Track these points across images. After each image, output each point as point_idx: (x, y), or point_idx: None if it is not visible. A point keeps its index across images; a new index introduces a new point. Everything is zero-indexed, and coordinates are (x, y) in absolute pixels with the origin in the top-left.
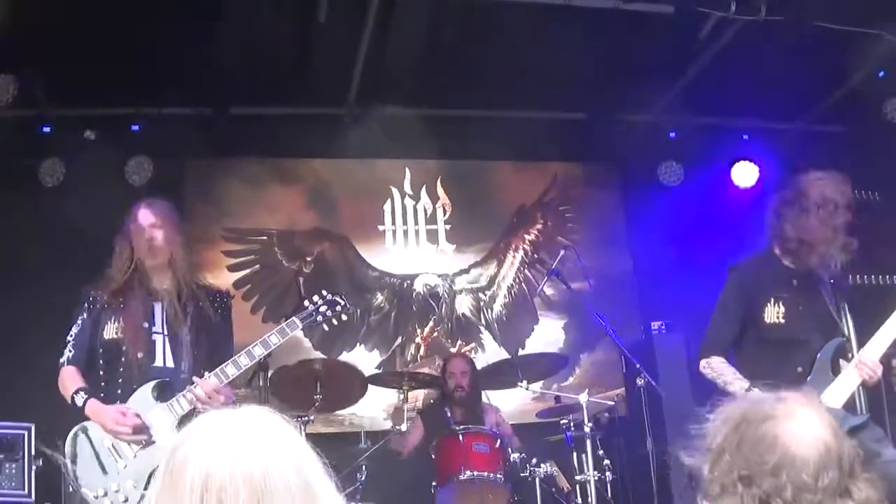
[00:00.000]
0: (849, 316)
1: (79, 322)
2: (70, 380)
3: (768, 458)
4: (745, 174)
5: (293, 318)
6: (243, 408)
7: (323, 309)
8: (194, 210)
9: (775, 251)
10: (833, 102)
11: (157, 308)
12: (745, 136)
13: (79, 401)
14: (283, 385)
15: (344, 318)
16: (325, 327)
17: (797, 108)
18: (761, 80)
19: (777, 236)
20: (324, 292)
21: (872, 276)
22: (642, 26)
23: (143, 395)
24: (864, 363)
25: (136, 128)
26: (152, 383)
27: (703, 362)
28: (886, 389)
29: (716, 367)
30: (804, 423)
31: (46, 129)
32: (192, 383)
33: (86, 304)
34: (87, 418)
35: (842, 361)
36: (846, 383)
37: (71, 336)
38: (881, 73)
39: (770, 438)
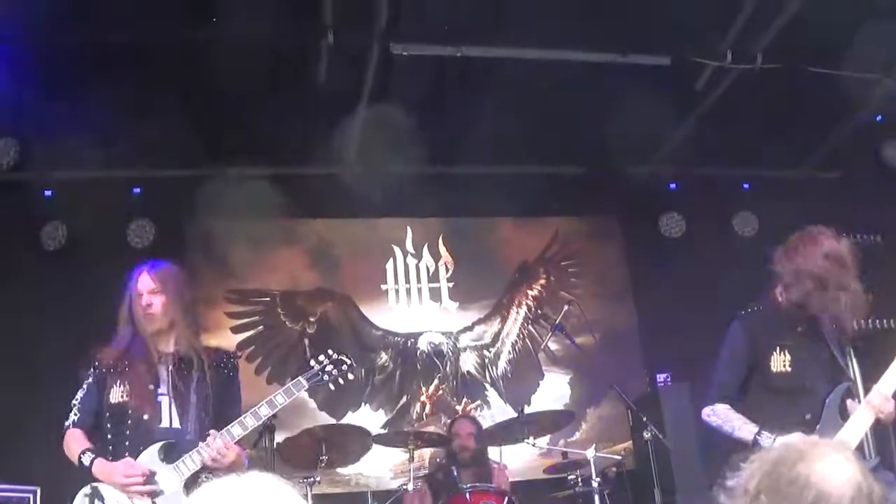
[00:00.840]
0: (854, 360)
1: (84, 386)
2: (76, 442)
3: (805, 497)
4: (746, 224)
5: (299, 377)
6: (248, 475)
7: (329, 368)
8: (197, 272)
9: (779, 300)
10: (832, 148)
11: (163, 370)
12: (746, 185)
13: (86, 461)
14: (288, 447)
15: (350, 377)
16: (332, 387)
17: (796, 154)
18: (760, 127)
19: (781, 287)
20: (330, 352)
21: (876, 321)
22: (640, 78)
23: (150, 456)
24: (873, 403)
25: (137, 190)
26: (158, 444)
27: (706, 410)
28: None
29: (721, 415)
30: (837, 463)
31: (48, 193)
32: (198, 444)
33: (91, 369)
34: (95, 479)
35: (849, 404)
36: (856, 427)
37: (77, 400)
38: (879, 118)
39: (804, 478)
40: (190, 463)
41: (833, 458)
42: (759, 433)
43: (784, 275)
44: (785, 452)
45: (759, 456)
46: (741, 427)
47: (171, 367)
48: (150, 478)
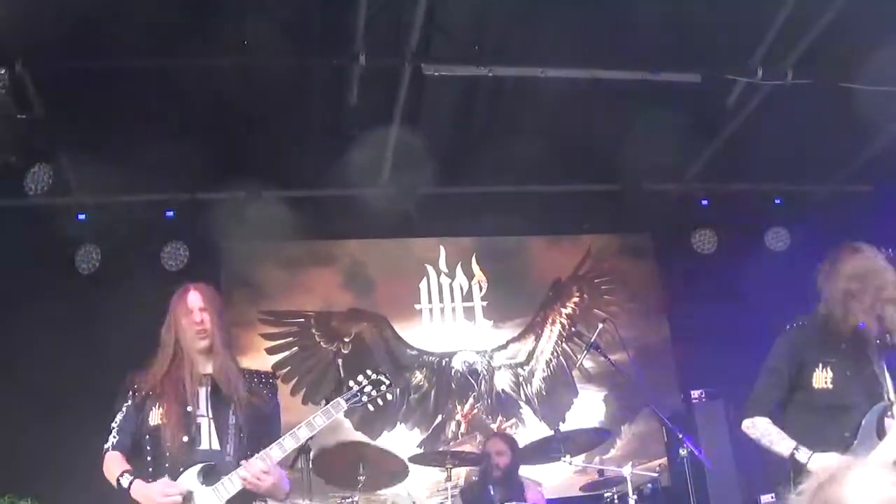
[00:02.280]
0: (889, 377)
1: (123, 409)
2: (115, 464)
3: None
4: (777, 239)
5: (338, 399)
6: None
7: (368, 389)
8: (231, 294)
9: (823, 314)
10: (863, 162)
11: (202, 392)
12: (777, 200)
13: (124, 483)
14: (326, 466)
15: (389, 397)
16: (370, 407)
17: (827, 169)
18: (790, 143)
19: (824, 303)
20: (368, 372)
21: None
22: (671, 96)
23: (189, 478)
24: None
25: (170, 214)
26: (198, 467)
27: (746, 422)
28: None
29: (760, 427)
30: (867, 481)
31: (81, 217)
32: (237, 466)
33: (130, 392)
34: (135, 502)
35: (886, 422)
36: (893, 444)
37: (115, 423)
38: None
39: (835, 498)
40: (230, 485)
41: (863, 477)
42: (796, 448)
43: (824, 291)
44: (823, 478)
45: (807, 484)
46: (779, 442)
47: (209, 389)
48: (188, 497)
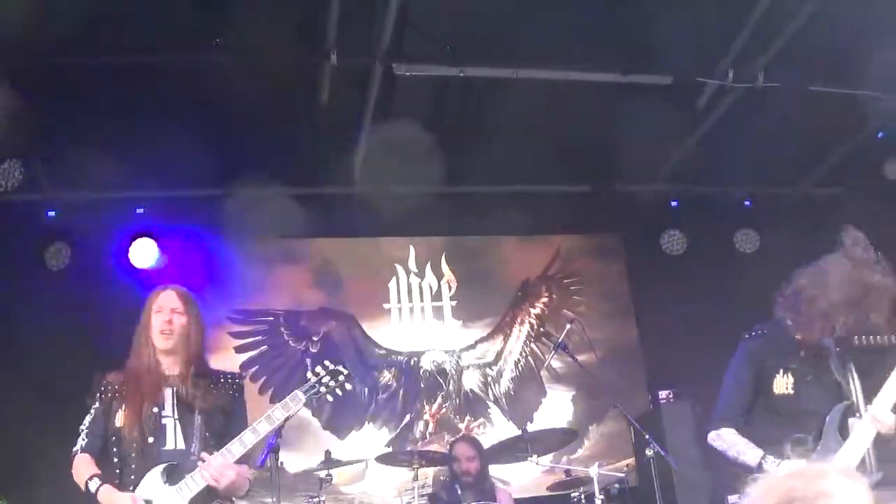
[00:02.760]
0: (856, 378)
1: (91, 411)
2: (84, 467)
3: None
4: (747, 241)
5: (296, 391)
6: None
7: (326, 380)
8: (200, 291)
9: (786, 323)
10: (833, 165)
11: (168, 393)
12: (747, 202)
13: (92, 487)
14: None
15: (348, 387)
16: (329, 398)
17: (797, 171)
18: (761, 145)
19: (792, 311)
20: (326, 363)
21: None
22: (642, 97)
23: (153, 478)
24: (875, 416)
25: (140, 210)
26: (161, 466)
27: (712, 434)
28: None
29: (726, 439)
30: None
31: (51, 214)
32: (201, 462)
33: (98, 394)
34: None
35: (850, 422)
36: (857, 444)
37: (84, 425)
38: (880, 135)
39: None
40: (192, 483)
41: (850, 494)
42: (763, 458)
43: (785, 301)
44: (800, 487)
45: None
46: (746, 452)
47: (175, 390)
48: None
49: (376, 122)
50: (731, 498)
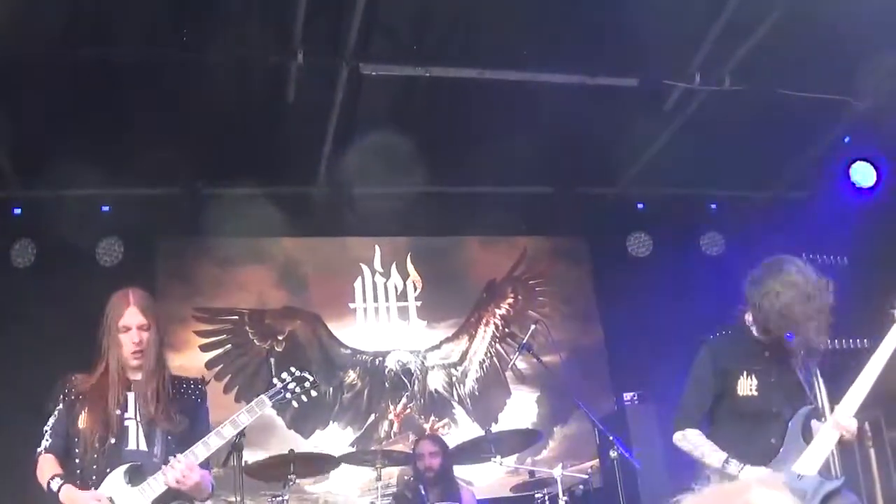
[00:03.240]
0: (821, 381)
1: (56, 412)
2: (46, 467)
3: None
4: (713, 243)
5: (262, 396)
6: None
7: (292, 386)
8: (165, 290)
9: (748, 324)
10: (799, 168)
11: (131, 396)
12: (713, 205)
13: (54, 486)
14: (257, 465)
15: (314, 394)
16: (295, 404)
17: (763, 175)
18: (727, 149)
19: (752, 314)
20: (292, 369)
21: (842, 341)
22: (608, 100)
23: (116, 478)
24: (838, 421)
25: (106, 209)
26: (124, 467)
27: (677, 434)
28: (860, 454)
29: (692, 440)
30: (767, 499)
31: (17, 211)
32: (165, 465)
33: (61, 395)
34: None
35: (813, 425)
36: (820, 448)
37: (48, 426)
38: (847, 139)
39: None
40: (155, 484)
41: (764, 496)
42: (726, 461)
43: (751, 302)
44: (714, 497)
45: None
46: (710, 454)
47: (139, 393)
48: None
49: (342, 122)
50: None
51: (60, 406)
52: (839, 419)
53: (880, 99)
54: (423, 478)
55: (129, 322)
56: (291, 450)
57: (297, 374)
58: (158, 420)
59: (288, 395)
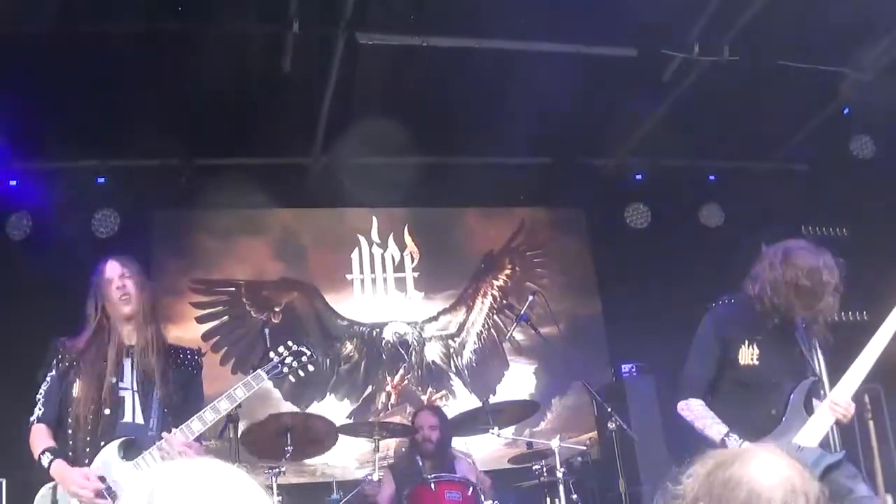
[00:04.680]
0: (820, 355)
1: (48, 379)
2: (39, 438)
3: (736, 496)
4: (711, 215)
5: (259, 370)
6: (208, 463)
7: (288, 360)
8: (161, 262)
9: (753, 297)
10: (799, 141)
11: (127, 364)
12: (712, 177)
13: (45, 461)
14: (253, 436)
15: (311, 368)
16: (292, 378)
17: (763, 147)
18: (726, 120)
19: (760, 292)
20: (289, 343)
21: (843, 314)
22: (606, 70)
23: (110, 452)
24: (836, 404)
25: (101, 180)
26: (118, 441)
27: (681, 403)
28: (860, 426)
29: (695, 410)
30: (769, 463)
31: (12, 183)
32: (160, 440)
33: (54, 361)
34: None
35: (815, 401)
36: (820, 422)
37: (41, 394)
38: (846, 111)
39: (737, 478)
40: (150, 460)
41: (765, 459)
42: (727, 435)
43: (762, 280)
44: (720, 458)
45: (697, 468)
46: (711, 426)
47: (135, 361)
48: (101, 491)
49: (339, 92)
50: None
51: (53, 372)
52: (836, 401)
53: (879, 70)
54: (421, 449)
55: (111, 274)
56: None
57: (294, 348)
58: (154, 389)
59: (285, 370)
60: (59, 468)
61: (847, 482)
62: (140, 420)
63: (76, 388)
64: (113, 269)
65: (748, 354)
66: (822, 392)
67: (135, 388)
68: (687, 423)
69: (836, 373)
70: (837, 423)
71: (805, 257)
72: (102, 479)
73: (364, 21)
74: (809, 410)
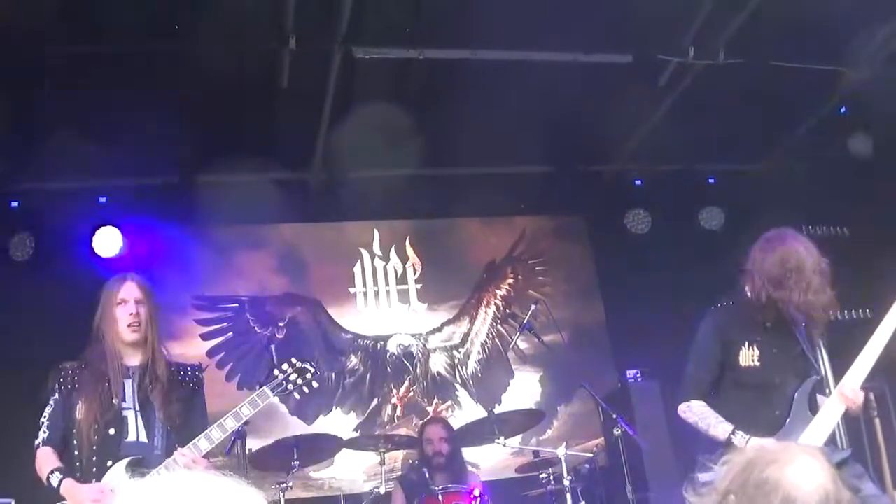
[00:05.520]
0: (825, 353)
1: (51, 403)
2: (45, 461)
3: (771, 499)
4: (712, 218)
5: (264, 388)
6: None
7: (293, 377)
8: (164, 279)
9: (749, 296)
10: (797, 140)
11: (128, 385)
12: (711, 180)
13: (54, 481)
14: (260, 454)
15: (315, 385)
16: (297, 395)
17: (761, 148)
18: (724, 122)
19: (752, 288)
20: (293, 360)
21: (844, 313)
22: (603, 77)
23: (118, 472)
24: (844, 393)
25: (103, 199)
26: (126, 460)
27: (682, 406)
28: (866, 425)
29: (697, 411)
30: (807, 468)
31: (14, 204)
32: (165, 459)
33: (57, 385)
34: (65, 498)
35: (819, 398)
36: (826, 420)
37: (45, 417)
38: (843, 110)
39: (773, 481)
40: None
41: (804, 463)
42: (733, 433)
43: (752, 273)
44: (758, 454)
45: (733, 457)
46: (716, 426)
47: (136, 382)
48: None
49: (337, 106)
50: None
51: (56, 396)
52: (845, 391)
53: (876, 68)
54: (432, 463)
55: (127, 295)
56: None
57: (299, 365)
58: (156, 409)
59: (290, 387)
60: (69, 486)
61: (854, 481)
62: (144, 439)
63: (79, 410)
64: (129, 292)
65: (749, 356)
66: (826, 391)
67: (137, 407)
68: (689, 426)
69: (840, 372)
70: (847, 412)
71: (781, 241)
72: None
73: (360, 35)
74: (813, 410)
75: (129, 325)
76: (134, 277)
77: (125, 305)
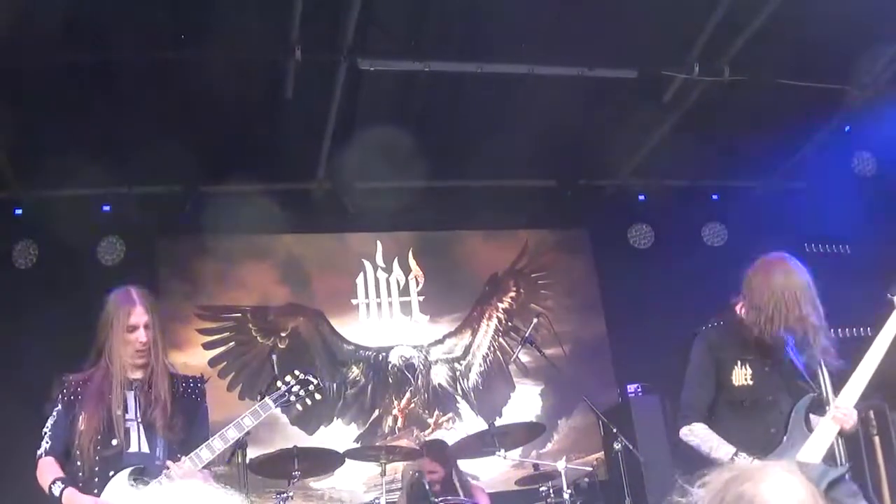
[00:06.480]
0: (825, 372)
1: (54, 414)
2: (48, 470)
3: None
4: (714, 234)
5: (266, 399)
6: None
7: (296, 389)
8: (167, 289)
9: (741, 315)
10: (801, 158)
11: (130, 396)
12: (715, 196)
13: (56, 490)
14: (261, 463)
15: (318, 396)
16: (299, 407)
17: (764, 165)
18: (728, 139)
19: (745, 305)
20: (296, 371)
21: (845, 330)
22: (607, 92)
23: (120, 481)
24: (838, 408)
25: (106, 208)
26: (128, 470)
27: (684, 429)
28: (865, 443)
29: (699, 434)
30: (783, 484)
31: (18, 212)
32: (167, 469)
33: (60, 395)
34: None
35: (813, 417)
36: (823, 436)
37: (47, 428)
38: (847, 128)
39: (749, 497)
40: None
41: (781, 480)
42: (735, 454)
43: (751, 297)
44: (736, 472)
45: (712, 477)
46: (718, 448)
47: (138, 393)
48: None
49: (342, 118)
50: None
51: (59, 407)
52: (838, 411)
53: (880, 87)
54: (430, 492)
55: (137, 321)
56: (295, 446)
57: (301, 376)
58: (158, 420)
59: (292, 399)
60: (70, 496)
61: (847, 500)
62: (146, 450)
63: (82, 421)
64: (139, 317)
65: (741, 375)
66: (826, 408)
67: (139, 419)
68: (693, 449)
69: (839, 388)
70: (841, 432)
71: (772, 264)
72: None
73: (365, 47)
74: (810, 427)
75: (138, 352)
76: (141, 297)
77: (135, 332)
